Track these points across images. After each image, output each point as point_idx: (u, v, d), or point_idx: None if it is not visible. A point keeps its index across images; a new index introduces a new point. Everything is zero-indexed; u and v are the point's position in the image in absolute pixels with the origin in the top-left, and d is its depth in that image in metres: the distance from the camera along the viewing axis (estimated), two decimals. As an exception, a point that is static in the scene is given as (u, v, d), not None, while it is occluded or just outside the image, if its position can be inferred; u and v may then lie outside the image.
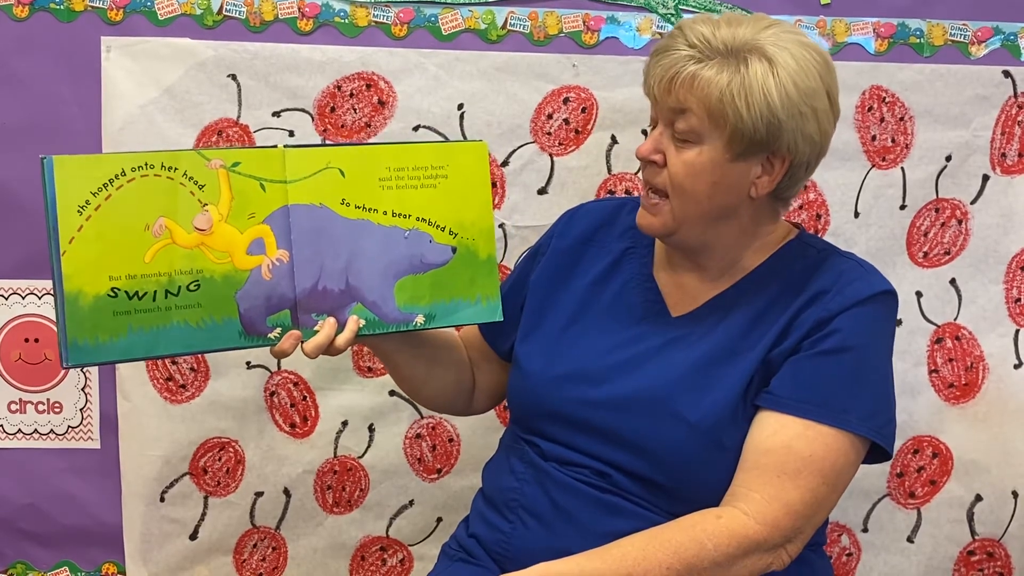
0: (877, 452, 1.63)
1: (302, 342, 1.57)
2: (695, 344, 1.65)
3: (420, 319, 1.64)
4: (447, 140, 2.15)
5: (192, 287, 1.48)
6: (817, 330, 1.58)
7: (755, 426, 1.59)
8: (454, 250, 1.64)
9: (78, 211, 1.40)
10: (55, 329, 2.16)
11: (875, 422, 1.59)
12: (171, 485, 2.30)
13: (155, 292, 1.46)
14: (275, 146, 1.54)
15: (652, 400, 1.61)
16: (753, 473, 1.56)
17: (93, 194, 1.41)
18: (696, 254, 1.68)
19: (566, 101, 2.18)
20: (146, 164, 1.44)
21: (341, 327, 1.59)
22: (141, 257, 1.45)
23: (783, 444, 1.55)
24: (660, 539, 1.52)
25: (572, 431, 1.67)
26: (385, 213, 1.59)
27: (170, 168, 1.46)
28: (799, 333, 1.59)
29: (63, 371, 2.26)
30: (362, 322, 1.60)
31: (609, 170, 2.21)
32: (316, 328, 1.57)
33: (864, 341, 1.59)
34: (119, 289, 1.44)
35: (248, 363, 2.26)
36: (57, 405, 2.28)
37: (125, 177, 1.43)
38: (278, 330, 1.55)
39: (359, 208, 1.58)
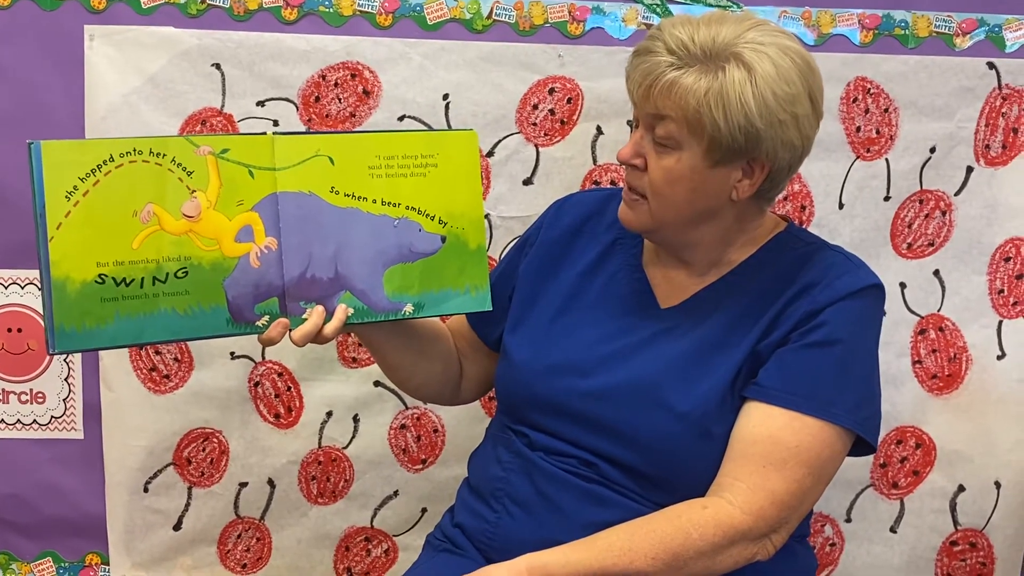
0: (862, 445, 1.64)
1: (290, 330, 1.56)
2: (684, 336, 1.65)
3: (409, 308, 1.63)
4: (433, 129, 2.14)
5: (180, 274, 1.47)
6: (805, 322, 1.59)
7: (742, 417, 1.59)
8: (444, 239, 1.63)
9: (66, 197, 1.39)
10: (38, 319, 2.18)
11: (860, 415, 1.60)
12: (155, 475, 2.30)
13: (143, 279, 1.45)
14: (264, 133, 1.53)
15: (641, 390, 1.62)
16: (739, 463, 1.56)
17: (81, 180, 1.40)
18: (679, 251, 1.68)
19: (551, 91, 2.17)
20: (134, 150, 1.43)
21: (329, 315, 1.58)
22: (129, 243, 1.44)
23: (769, 435, 1.56)
24: (646, 529, 1.52)
25: (560, 421, 1.67)
26: (375, 202, 1.59)
27: (158, 154, 1.45)
28: (787, 325, 1.60)
29: (46, 361, 2.26)
30: (350, 311, 1.59)
31: (594, 160, 2.21)
32: (304, 316, 1.56)
33: (852, 334, 1.60)
34: (106, 275, 1.43)
35: (232, 354, 2.26)
36: (40, 395, 2.27)
37: (113, 163, 1.42)
38: (266, 318, 1.55)
39: (348, 196, 1.57)
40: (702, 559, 1.52)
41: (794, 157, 1.58)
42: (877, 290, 1.64)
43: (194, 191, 1.48)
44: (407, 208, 1.61)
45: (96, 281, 1.42)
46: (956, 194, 2.23)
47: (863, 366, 1.63)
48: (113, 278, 1.43)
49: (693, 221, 1.61)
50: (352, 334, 2.09)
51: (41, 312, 1.42)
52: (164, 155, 1.45)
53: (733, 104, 1.48)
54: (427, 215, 1.62)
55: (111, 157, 1.42)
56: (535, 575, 1.48)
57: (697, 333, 1.64)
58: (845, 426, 1.58)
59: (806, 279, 1.62)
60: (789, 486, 1.54)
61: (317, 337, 1.57)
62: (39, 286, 1.43)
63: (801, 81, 1.53)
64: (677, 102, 1.51)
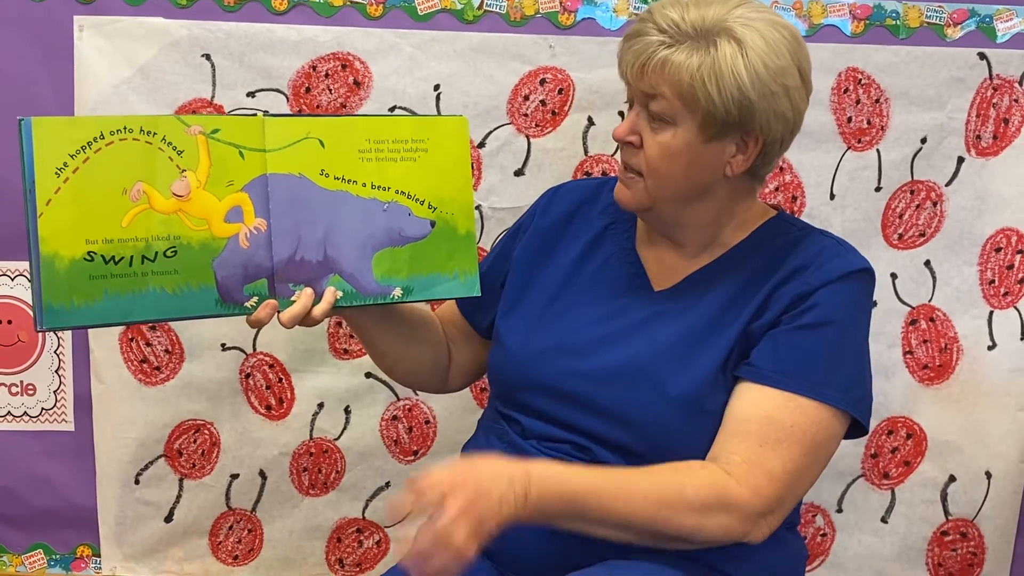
0: (855, 427, 1.64)
1: (279, 312, 1.56)
2: (677, 318, 1.65)
3: (398, 292, 1.63)
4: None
5: (169, 253, 1.47)
6: (796, 304, 1.59)
7: (735, 397, 1.59)
8: (433, 224, 1.64)
9: (55, 173, 1.39)
10: (28, 310, 2.17)
11: (852, 396, 1.60)
12: (146, 467, 2.30)
13: (132, 257, 1.44)
14: (255, 114, 1.53)
15: (635, 373, 1.61)
16: (735, 440, 1.56)
17: (71, 156, 1.40)
18: (673, 231, 1.69)
19: (543, 82, 2.18)
20: (125, 128, 1.43)
21: (318, 298, 1.58)
22: (118, 221, 1.43)
23: (764, 415, 1.56)
24: (645, 473, 1.52)
25: (554, 402, 1.66)
26: (364, 185, 1.59)
27: (149, 132, 1.45)
28: (778, 307, 1.60)
29: (37, 353, 2.25)
30: (339, 293, 1.59)
31: (586, 151, 2.21)
32: (293, 298, 1.56)
33: (843, 316, 1.60)
34: (95, 253, 1.42)
35: (223, 345, 2.26)
36: (31, 387, 2.26)
37: (104, 140, 1.42)
38: (255, 299, 1.54)
39: (338, 179, 1.57)
40: (691, 514, 1.50)
41: (786, 130, 1.59)
42: (867, 274, 1.65)
43: (184, 170, 1.47)
44: (397, 192, 1.61)
45: (85, 258, 1.42)
46: (947, 185, 2.23)
47: (854, 347, 1.63)
48: (102, 256, 1.43)
49: (688, 197, 1.62)
50: (342, 320, 2.10)
51: (31, 303, 1.42)
52: (154, 134, 1.45)
53: (726, 77, 1.50)
54: (417, 200, 1.62)
55: (101, 135, 1.42)
56: (533, 477, 1.47)
57: (690, 315, 1.65)
58: (838, 407, 1.57)
59: (797, 262, 1.63)
60: (786, 465, 1.54)
61: (306, 320, 1.57)
62: (29, 277, 1.42)
63: (790, 54, 1.55)
64: (671, 79, 1.52)
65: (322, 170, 1.56)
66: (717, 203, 1.65)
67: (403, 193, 1.62)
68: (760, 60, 1.51)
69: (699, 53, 1.51)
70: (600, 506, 1.49)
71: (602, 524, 1.50)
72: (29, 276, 1.43)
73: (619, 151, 1.65)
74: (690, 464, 1.55)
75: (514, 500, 1.43)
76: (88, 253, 1.42)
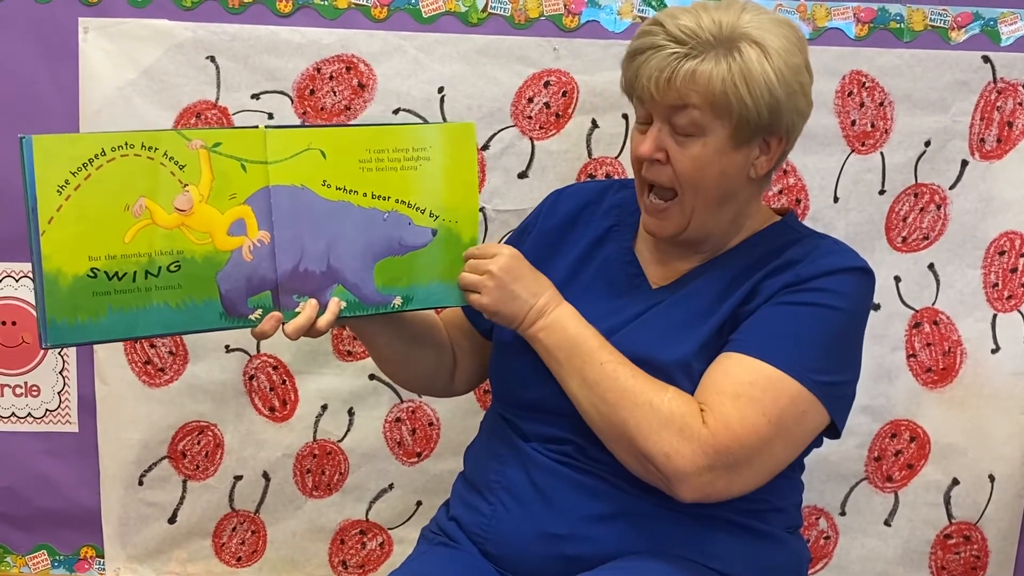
0: (833, 428, 1.63)
1: (283, 324, 1.56)
2: (673, 306, 1.66)
3: (398, 301, 1.63)
4: (428, 122, 2.14)
5: (172, 268, 1.47)
6: (784, 290, 1.60)
7: (711, 365, 1.59)
8: (434, 232, 1.63)
9: (57, 191, 1.39)
10: (32, 312, 2.17)
11: (818, 378, 1.57)
12: (149, 469, 2.30)
13: (135, 273, 1.45)
14: (256, 126, 1.53)
15: (633, 359, 1.60)
16: (700, 392, 1.57)
17: (73, 173, 1.40)
18: (694, 244, 1.69)
19: (547, 85, 2.17)
20: (126, 144, 1.43)
21: (322, 309, 1.58)
22: (121, 237, 1.43)
23: (723, 369, 1.57)
24: (637, 369, 1.57)
25: (554, 395, 1.65)
26: (365, 195, 1.58)
27: (150, 148, 1.44)
28: (767, 294, 1.61)
29: (41, 355, 2.26)
30: (343, 304, 1.59)
31: (590, 154, 2.21)
32: (297, 310, 1.56)
33: (829, 301, 1.59)
34: (99, 269, 1.42)
35: (227, 347, 2.26)
36: (35, 388, 2.27)
37: (105, 157, 1.42)
38: (259, 311, 1.54)
39: (340, 190, 1.57)
40: (650, 418, 1.52)
41: (802, 125, 1.63)
42: (863, 272, 1.65)
43: (186, 185, 1.47)
44: (397, 201, 1.60)
45: (88, 275, 1.42)
46: (951, 188, 2.23)
47: (835, 334, 1.61)
48: (105, 272, 1.43)
49: (718, 203, 1.63)
50: (346, 327, 2.10)
51: (35, 310, 1.42)
52: (156, 149, 1.45)
53: (757, 80, 1.52)
54: (417, 208, 1.62)
55: (103, 151, 1.42)
56: (555, 308, 1.62)
57: (684, 303, 1.66)
58: (799, 381, 1.55)
59: (791, 255, 1.65)
60: (743, 417, 1.52)
61: (310, 331, 1.57)
62: (32, 278, 1.42)
63: (800, 52, 1.59)
64: (701, 88, 1.53)
65: (324, 181, 1.56)
66: (736, 207, 1.66)
67: (403, 202, 1.61)
68: (782, 60, 1.54)
69: (726, 60, 1.52)
70: (584, 358, 1.57)
71: (575, 375, 1.58)
72: (33, 274, 1.43)
73: (642, 171, 1.63)
74: (677, 389, 1.56)
75: (528, 311, 1.61)
76: (91, 269, 1.42)
